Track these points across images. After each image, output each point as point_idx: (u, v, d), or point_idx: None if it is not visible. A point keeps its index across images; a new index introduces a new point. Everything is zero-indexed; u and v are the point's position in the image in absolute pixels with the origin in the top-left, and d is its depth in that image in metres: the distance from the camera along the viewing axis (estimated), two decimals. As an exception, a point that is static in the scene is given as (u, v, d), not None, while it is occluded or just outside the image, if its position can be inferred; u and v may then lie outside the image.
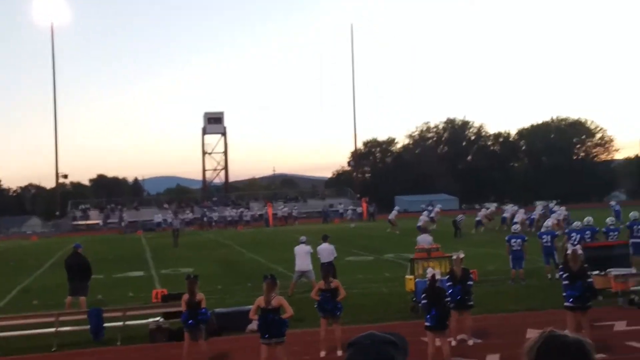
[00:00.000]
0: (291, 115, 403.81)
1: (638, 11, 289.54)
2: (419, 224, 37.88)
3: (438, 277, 12.02)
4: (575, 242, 18.72)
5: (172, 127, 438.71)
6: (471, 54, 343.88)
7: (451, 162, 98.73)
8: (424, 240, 20.62)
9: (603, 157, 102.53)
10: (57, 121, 78.40)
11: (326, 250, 19.95)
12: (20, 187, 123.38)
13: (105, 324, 14.72)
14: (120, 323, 14.81)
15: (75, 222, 72.49)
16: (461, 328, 13.02)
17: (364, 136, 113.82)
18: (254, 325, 12.97)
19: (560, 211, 37.36)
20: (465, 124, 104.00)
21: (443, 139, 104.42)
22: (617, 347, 11.97)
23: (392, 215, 46.48)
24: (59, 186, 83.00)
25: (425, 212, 42.93)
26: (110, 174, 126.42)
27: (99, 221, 72.00)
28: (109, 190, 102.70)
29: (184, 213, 69.22)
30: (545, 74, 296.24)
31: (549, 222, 23.76)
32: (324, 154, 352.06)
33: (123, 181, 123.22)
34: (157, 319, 14.92)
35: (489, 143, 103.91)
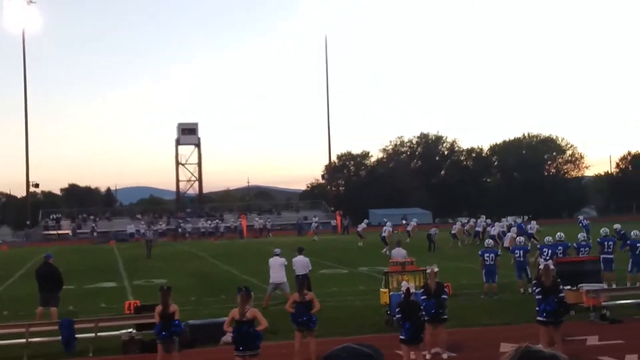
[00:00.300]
0: (266, 127, 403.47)
1: (607, 31, 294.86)
2: (383, 234, 38.55)
3: (413, 290, 12.08)
4: (547, 258, 18.94)
5: (146, 137, 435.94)
6: (445, 69, 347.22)
7: (425, 177, 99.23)
8: (398, 253, 20.74)
9: (574, 173, 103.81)
10: (28, 130, 77.12)
11: (301, 263, 19.92)
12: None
13: (77, 335, 14.53)
14: (92, 334, 14.65)
15: (47, 232, 71.54)
16: (435, 341, 13.08)
17: (338, 149, 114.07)
18: (228, 337, 12.90)
19: (533, 225, 37.82)
20: (438, 139, 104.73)
21: (417, 153, 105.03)
22: (588, 361, 12.09)
23: (361, 227, 46.70)
24: (30, 195, 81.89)
25: (388, 224, 43.30)
26: (82, 183, 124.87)
27: (70, 231, 71.13)
28: (80, 200, 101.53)
29: (157, 224, 68.70)
30: (517, 90, 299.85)
31: (521, 238, 23.96)
32: (298, 167, 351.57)
33: (95, 191, 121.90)
34: (130, 330, 14.78)
35: (462, 158, 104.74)
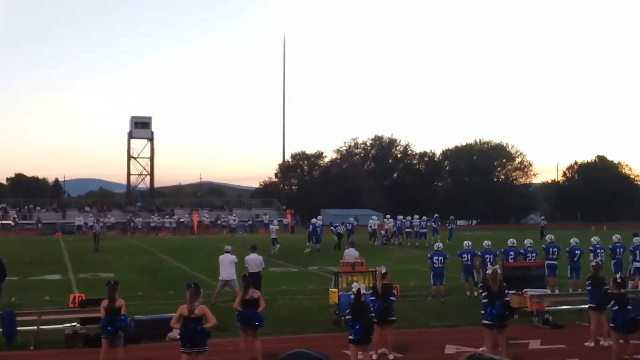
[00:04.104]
0: (220, 124, 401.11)
1: (560, 38, 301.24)
2: (373, 227, 43.54)
3: (363, 291, 12.14)
4: (491, 262, 19.25)
5: (98, 129, 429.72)
6: (401, 74, 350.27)
7: (377, 178, 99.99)
8: (350, 254, 20.81)
9: (522, 180, 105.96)
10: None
11: (254, 261, 19.87)
12: None
13: (19, 328, 14.22)
14: (35, 327, 14.34)
15: (-10, 222, 69.59)
16: (382, 342, 13.17)
17: (293, 149, 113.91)
18: (174, 334, 12.78)
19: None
20: (392, 142, 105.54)
21: (370, 155, 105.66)
22: (530, 364, 12.33)
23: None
24: (-26, 183, 79.75)
25: (374, 217, 46.14)
26: (29, 173, 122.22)
27: (15, 221, 69.33)
28: (27, 190, 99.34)
29: (106, 217, 67.58)
30: (469, 97, 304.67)
31: (468, 242, 24.13)
32: (251, 164, 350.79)
33: (43, 181, 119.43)
34: (74, 324, 14.53)
35: (415, 162, 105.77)
